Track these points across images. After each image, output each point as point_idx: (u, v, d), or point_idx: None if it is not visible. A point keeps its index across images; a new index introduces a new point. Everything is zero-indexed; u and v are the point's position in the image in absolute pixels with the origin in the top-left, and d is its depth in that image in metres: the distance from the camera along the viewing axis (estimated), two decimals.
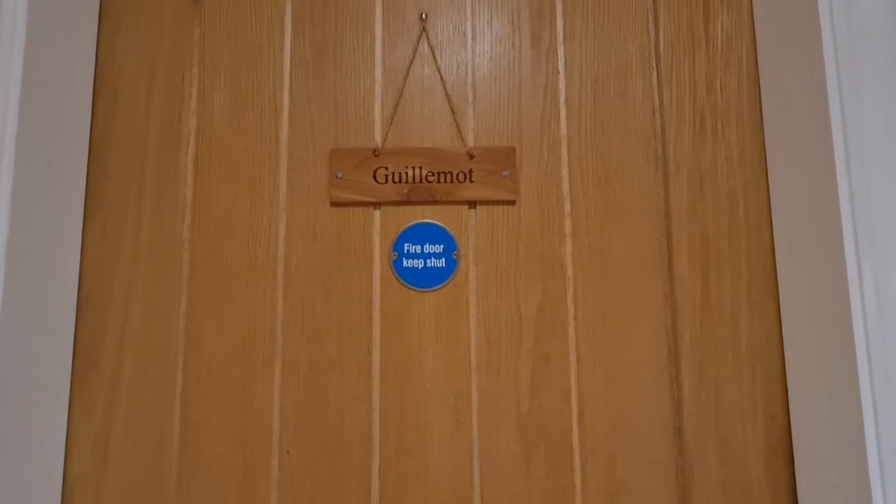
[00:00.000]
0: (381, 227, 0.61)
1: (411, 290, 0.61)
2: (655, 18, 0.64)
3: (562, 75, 0.64)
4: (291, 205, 0.61)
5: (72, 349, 0.58)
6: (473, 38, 0.64)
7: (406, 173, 0.61)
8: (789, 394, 0.58)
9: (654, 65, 0.63)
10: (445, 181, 0.61)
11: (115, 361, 0.59)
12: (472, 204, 0.62)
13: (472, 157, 0.62)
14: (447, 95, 0.63)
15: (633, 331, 0.60)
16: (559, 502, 0.57)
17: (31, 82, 0.52)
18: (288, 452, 0.58)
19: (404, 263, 0.60)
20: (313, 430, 0.58)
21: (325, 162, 0.62)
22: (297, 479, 0.58)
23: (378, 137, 0.62)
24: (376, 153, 0.61)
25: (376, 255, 0.61)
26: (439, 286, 0.61)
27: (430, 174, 0.61)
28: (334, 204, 0.61)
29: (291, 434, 0.58)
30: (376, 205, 0.61)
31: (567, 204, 0.62)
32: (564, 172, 0.62)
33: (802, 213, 0.55)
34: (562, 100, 0.63)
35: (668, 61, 0.63)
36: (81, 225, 0.60)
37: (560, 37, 0.64)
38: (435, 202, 0.62)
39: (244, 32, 0.64)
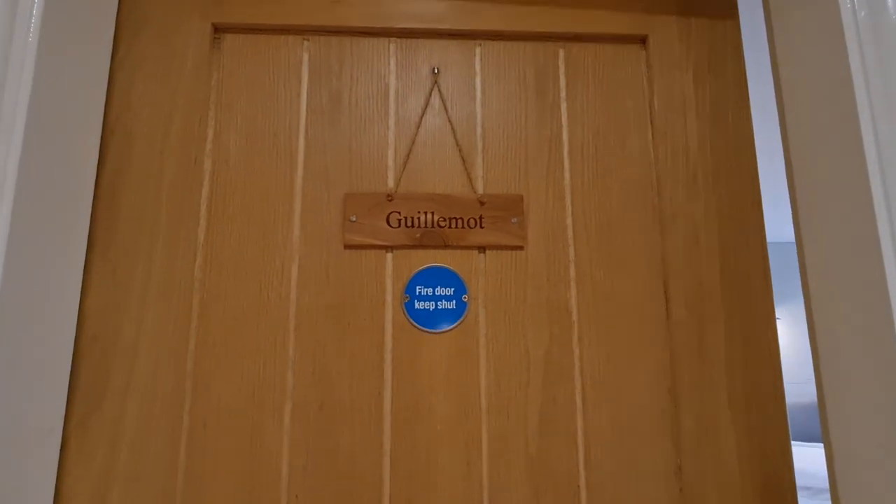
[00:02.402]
0: (393, 269, 0.63)
1: (423, 331, 0.62)
2: (650, 80, 0.69)
3: (565, 129, 0.68)
4: (305, 247, 0.62)
5: (66, 396, 0.57)
6: (483, 92, 0.68)
7: (418, 218, 0.63)
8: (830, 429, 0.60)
9: (650, 122, 0.68)
10: (456, 226, 0.64)
11: (120, 405, 0.57)
12: (482, 249, 0.64)
13: (482, 203, 0.65)
14: (458, 145, 0.66)
15: (635, 374, 0.62)
16: None
17: (36, 122, 0.53)
18: (297, 497, 0.57)
19: (416, 305, 0.62)
20: (323, 474, 0.58)
21: (339, 206, 0.63)
22: None
23: (391, 183, 0.64)
24: (390, 198, 0.63)
25: (388, 298, 0.62)
26: (450, 328, 0.62)
27: (441, 219, 0.64)
28: (348, 247, 0.62)
29: (301, 478, 0.57)
30: (389, 248, 0.63)
31: (571, 251, 0.65)
32: (569, 221, 0.66)
33: (839, 262, 0.59)
34: (565, 152, 0.67)
35: (662, 119, 0.68)
36: (82, 267, 0.59)
37: (563, 93, 0.68)
38: (446, 247, 0.64)
39: (262, 78, 0.66)
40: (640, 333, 0.63)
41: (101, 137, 0.62)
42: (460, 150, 0.66)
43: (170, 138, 0.63)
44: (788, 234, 3.10)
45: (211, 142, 0.64)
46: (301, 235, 0.63)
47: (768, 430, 0.61)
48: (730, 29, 0.70)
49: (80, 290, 0.59)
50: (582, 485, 0.59)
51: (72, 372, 0.57)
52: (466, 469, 0.59)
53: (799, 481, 2.69)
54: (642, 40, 0.70)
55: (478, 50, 0.69)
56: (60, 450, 0.55)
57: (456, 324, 0.62)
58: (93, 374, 0.57)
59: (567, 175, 0.67)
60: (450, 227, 0.64)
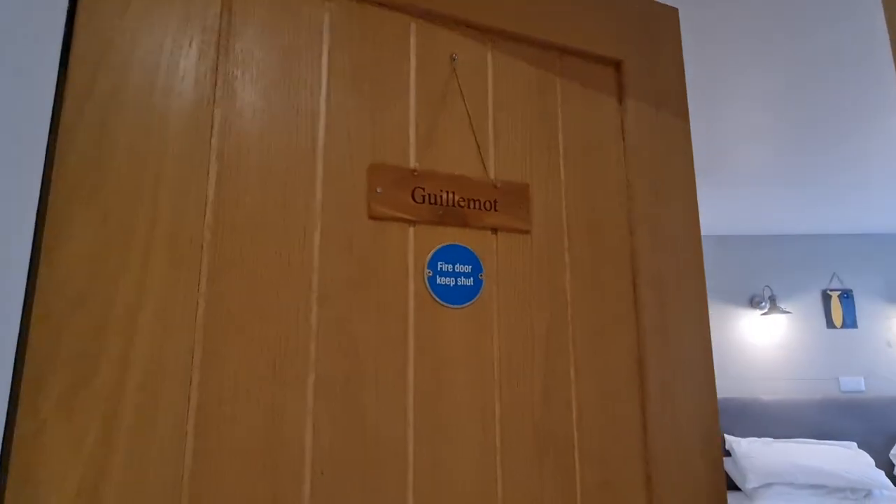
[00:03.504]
0: (414, 244, 0.63)
1: (444, 306, 0.63)
2: (622, 100, 0.82)
3: (560, 131, 0.76)
4: (328, 214, 0.59)
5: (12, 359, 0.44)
6: (494, 86, 0.73)
7: (441, 196, 0.65)
8: None
9: (623, 137, 0.81)
10: (474, 207, 0.67)
11: (116, 380, 0.47)
12: (495, 230, 0.69)
13: (496, 188, 0.69)
14: (473, 131, 0.70)
15: (613, 347, 0.74)
16: (565, 495, 0.65)
17: None
18: (322, 473, 0.53)
19: (438, 281, 0.63)
20: (350, 447, 0.55)
21: (363, 176, 0.62)
22: (330, 500, 0.53)
23: (412, 159, 0.65)
24: (415, 173, 0.64)
25: (411, 272, 0.62)
26: (468, 304, 0.65)
27: (461, 200, 0.66)
28: (373, 218, 0.61)
29: (327, 454, 0.54)
30: (412, 223, 0.63)
31: (566, 239, 0.74)
32: (564, 213, 0.74)
33: None
34: (561, 151, 0.76)
35: (633, 139, 0.81)
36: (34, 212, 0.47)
37: (559, 98, 0.77)
38: (466, 226, 0.66)
39: (280, 28, 0.61)
40: (616, 313, 0.75)
41: (68, 65, 0.50)
42: (475, 137, 0.70)
43: (175, 74, 0.54)
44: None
45: (222, 88, 0.57)
46: (323, 201, 0.59)
47: (704, 391, 0.77)
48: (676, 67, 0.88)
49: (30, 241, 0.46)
50: (576, 445, 0.68)
51: (47, 341, 0.44)
52: (482, 435, 0.62)
53: (814, 479, 2.85)
54: (617, 65, 0.83)
55: (490, 46, 0.74)
56: (36, 433, 0.43)
57: (473, 300, 0.65)
58: (79, 343, 0.46)
59: (562, 172, 0.75)
60: (468, 207, 0.67)
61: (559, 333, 0.70)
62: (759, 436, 3.31)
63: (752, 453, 3.07)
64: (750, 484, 2.95)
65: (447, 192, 0.66)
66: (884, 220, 3.40)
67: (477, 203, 0.67)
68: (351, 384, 0.57)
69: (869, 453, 3.13)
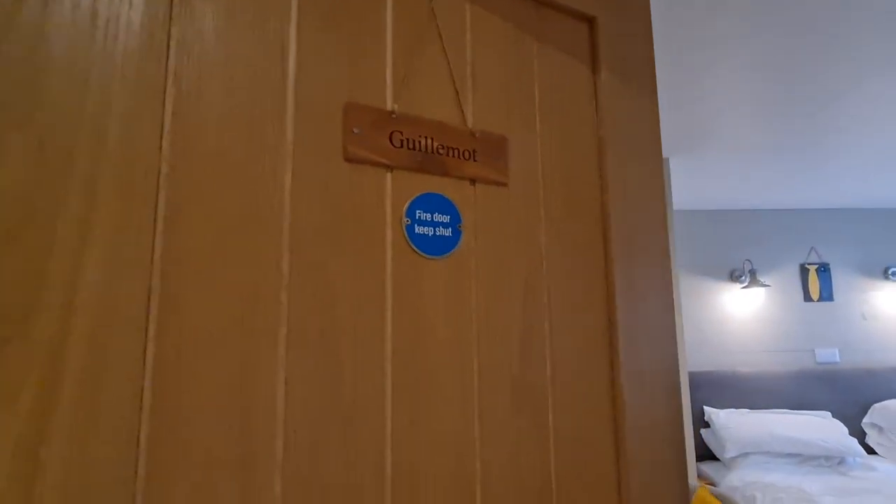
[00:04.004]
0: (392, 191, 0.60)
1: (422, 256, 0.60)
2: (595, 60, 0.79)
3: (536, 85, 0.73)
4: (300, 154, 0.55)
5: None
6: (472, 35, 0.69)
7: (420, 142, 0.61)
8: None
9: (595, 97, 0.78)
10: (454, 156, 0.64)
11: (58, 329, 0.43)
12: (473, 181, 0.66)
13: (475, 137, 0.66)
14: (452, 78, 0.66)
15: (585, 304, 0.72)
16: (540, 449, 0.64)
17: None
18: (296, 432, 0.50)
19: (416, 230, 0.60)
20: (325, 404, 0.52)
21: (338, 114, 0.58)
22: (307, 460, 0.50)
23: (390, 101, 0.61)
24: (393, 115, 0.60)
25: (389, 219, 0.59)
26: (446, 255, 0.62)
27: (440, 147, 0.63)
28: (349, 160, 0.57)
29: (300, 411, 0.51)
30: (389, 168, 0.60)
31: (542, 193, 0.71)
32: (540, 168, 0.71)
33: None
34: (536, 105, 0.73)
35: (605, 97, 0.78)
36: None
37: (535, 50, 0.74)
38: (445, 174, 0.63)
39: None
40: (588, 269, 0.73)
41: None
42: (454, 84, 0.66)
43: None
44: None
45: (179, 5, 0.51)
46: (295, 140, 0.55)
47: (667, 346, 0.76)
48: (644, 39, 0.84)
49: None
50: (550, 399, 0.66)
51: None
52: (461, 390, 0.60)
53: (790, 448, 2.90)
54: (590, 22, 0.79)
55: None
56: None
57: (452, 251, 0.62)
58: (12, 289, 0.42)
59: (538, 126, 0.72)
60: (448, 155, 0.63)
61: (535, 288, 0.68)
62: (738, 407, 3.37)
63: (730, 424, 3.13)
64: (728, 453, 3.00)
65: (426, 138, 0.62)
66: (861, 194, 3.44)
67: (456, 152, 0.64)
68: (327, 337, 0.53)
69: (843, 422, 3.21)
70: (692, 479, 2.45)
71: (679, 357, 2.56)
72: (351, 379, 0.54)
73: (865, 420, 3.37)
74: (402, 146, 0.60)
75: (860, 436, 3.34)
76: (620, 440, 0.70)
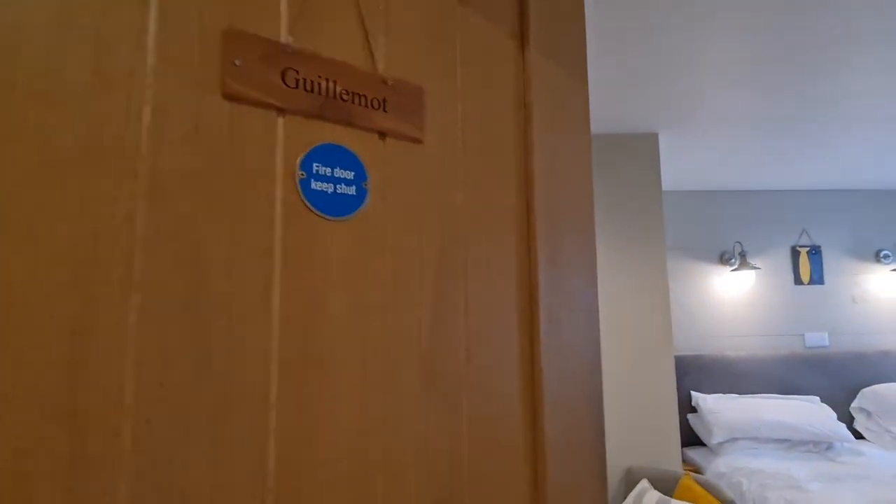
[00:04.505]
0: (285, 138, 0.51)
1: (320, 216, 0.52)
2: (522, 14, 0.70)
3: (458, 36, 0.64)
4: (164, 84, 0.46)
5: None
6: None
7: (320, 84, 0.53)
8: None
9: (523, 56, 0.69)
10: (360, 104, 0.55)
11: None
12: (383, 135, 0.57)
13: (386, 84, 0.57)
14: (361, 13, 0.57)
15: (504, 277, 0.65)
16: (451, 433, 0.58)
17: None
18: (149, 421, 0.42)
19: (313, 185, 0.51)
20: (189, 390, 0.44)
21: (216, 41, 0.48)
22: (162, 458, 0.42)
23: (284, 32, 0.52)
24: (286, 50, 0.51)
25: (280, 171, 0.50)
26: (349, 216, 0.53)
27: (344, 92, 0.54)
28: (229, 97, 0.48)
29: (155, 396, 0.43)
30: (281, 111, 0.51)
31: (462, 154, 0.63)
32: (460, 126, 0.63)
33: None
34: (458, 54, 0.64)
35: (533, 55, 0.70)
36: None
37: None
38: (350, 124, 0.54)
39: None
40: (510, 239, 0.66)
41: None
42: (363, 20, 0.57)
43: None
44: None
45: None
46: (157, 67, 0.46)
47: (589, 325, 0.70)
48: None
49: None
50: (463, 379, 0.59)
51: None
52: (362, 371, 0.52)
53: (778, 433, 2.88)
54: None
55: None
56: None
57: (356, 212, 0.54)
58: None
59: (459, 80, 0.64)
60: (353, 103, 0.55)
61: (451, 257, 0.60)
62: (725, 392, 3.32)
63: (717, 409, 3.08)
64: (715, 439, 2.95)
65: (327, 81, 0.53)
66: (854, 175, 3.36)
67: (363, 99, 0.55)
68: (193, 307, 0.45)
69: (831, 407, 3.16)
70: (677, 467, 2.40)
71: (667, 341, 2.51)
72: (223, 361, 0.45)
73: (854, 404, 3.33)
74: (297, 87, 0.51)
75: (848, 421, 3.30)
76: (538, 422, 0.65)
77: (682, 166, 3.12)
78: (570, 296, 0.68)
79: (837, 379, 3.39)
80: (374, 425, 0.52)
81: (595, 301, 0.72)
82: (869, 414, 3.25)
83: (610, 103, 2.31)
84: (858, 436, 3.25)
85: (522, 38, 0.70)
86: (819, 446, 2.93)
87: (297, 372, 0.48)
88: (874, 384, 3.32)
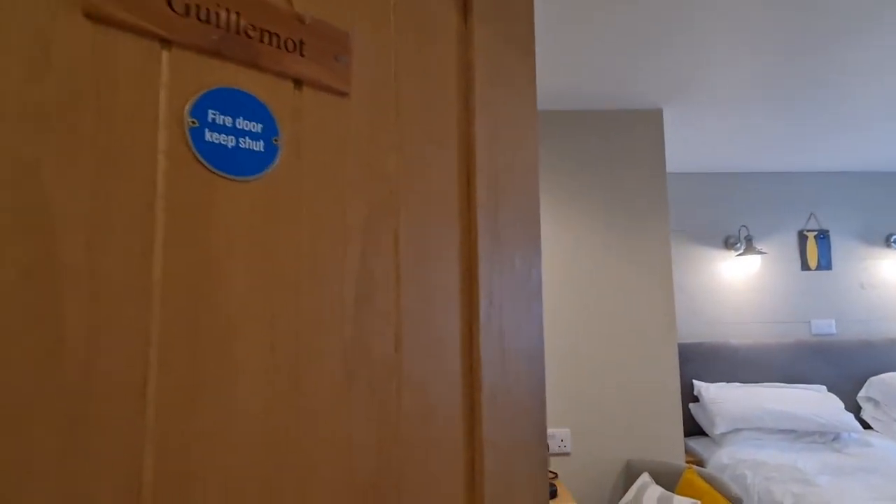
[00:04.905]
0: (170, 76, 0.42)
1: (216, 174, 0.43)
2: None
3: None
4: None
5: None
6: None
7: (218, 14, 0.43)
8: None
9: (464, 11, 0.60)
10: (269, 44, 0.46)
11: None
12: (299, 83, 0.48)
13: (303, 22, 0.48)
14: None
15: (443, 251, 0.57)
16: (380, 432, 0.50)
17: None
18: None
19: (207, 136, 0.42)
20: (33, 382, 0.35)
21: None
22: None
23: None
24: None
25: (163, 115, 0.41)
26: (255, 176, 0.44)
27: (250, 27, 0.45)
28: (91, 16, 0.39)
29: None
30: (167, 42, 0.42)
31: (395, 113, 0.54)
32: (393, 81, 0.54)
33: None
34: (392, 2, 0.55)
35: (480, 11, 0.61)
36: None
37: None
38: (255, 66, 0.45)
39: None
40: (447, 210, 0.59)
41: None
42: None
43: None
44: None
45: None
46: None
47: (532, 306, 0.63)
48: None
49: None
50: (395, 368, 0.50)
51: None
52: (269, 359, 0.43)
53: (783, 424, 2.79)
54: None
55: None
56: None
57: (263, 173, 0.45)
58: None
59: (393, 27, 0.55)
60: (261, 41, 0.45)
61: (380, 228, 0.51)
62: (729, 381, 3.22)
63: (720, 398, 2.99)
64: (718, 429, 2.87)
65: (228, 11, 0.44)
66: (865, 156, 3.24)
67: (274, 39, 0.46)
68: (37, 278, 0.36)
69: (838, 396, 3.06)
70: (680, 460, 2.31)
71: (670, 327, 2.41)
72: (81, 348, 0.37)
73: (861, 394, 3.23)
74: (188, 14, 0.42)
75: (855, 410, 3.20)
76: (476, 416, 0.57)
77: (685, 146, 3.01)
78: (513, 275, 0.61)
79: (844, 367, 3.28)
80: (284, 423, 0.43)
81: (540, 283, 0.65)
82: (877, 403, 3.15)
83: (610, 76, 2.21)
84: (866, 426, 3.15)
85: None
86: (826, 437, 2.84)
87: (184, 360, 0.40)
88: (882, 373, 3.22)
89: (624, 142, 2.45)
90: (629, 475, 2.24)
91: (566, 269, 2.37)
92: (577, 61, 2.07)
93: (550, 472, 2.19)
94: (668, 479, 2.13)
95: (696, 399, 3.15)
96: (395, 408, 0.51)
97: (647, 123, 2.46)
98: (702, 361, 3.25)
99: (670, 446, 2.30)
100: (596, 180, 2.42)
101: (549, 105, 2.45)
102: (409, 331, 0.52)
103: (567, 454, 2.28)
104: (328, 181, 0.48)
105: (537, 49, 2.01)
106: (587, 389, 2.31)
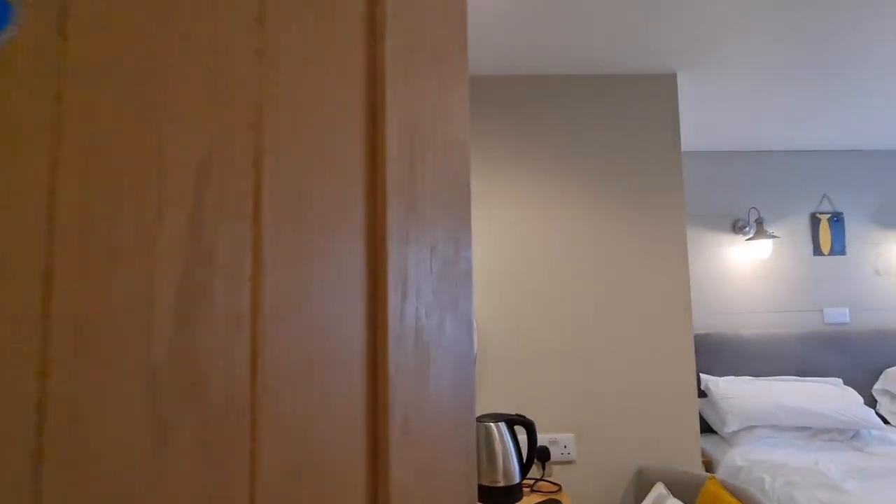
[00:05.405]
0: None
1: None
2: None
3: None
4: None
5: None
6: None
7: None
8: None
9: None
10: None
11: None
12: None
13: None
14: None
15: (332, 222, 0.31)
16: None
17: None
18: None
19: None
20: None
21: None
22: None
23: None
24: None
25: None
26: None
27: None
28: None
29: None
30: None
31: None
32: None
33: None
34: None
35: None
36: None
37: None
38: None
39: None
40: (342, 164, 0.31)
41: None
42: None
43: None
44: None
45: None
46: None
47: (461, 287, 0.43)
48: None
49: None
50: (252, 403, 0.23)
51: None
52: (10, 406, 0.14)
53: (799, 420, 2.56)
54: None
55: None
56: None
57: None
58: None
59: None
60: None
61: (227, 181, 0.24)
62: (738, 374, 3.00)
63: (730, 394, 2.76)
64: (729, 427, 2.64)
65: None
66: (880, 134, 3.00)
67: None
68: None
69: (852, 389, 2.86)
70: (696, 466, 2.07)
71: (685, 318, 2.16)
72: None
73: (876, 386, 3.03)
74: None
75: (870, 404, 3.00)
76: (381, 461, 0.32)
77: (693, 121, 2.75)
78: (437, 259, 0.40)
79: (858, 359, 3.08)
80: None
81: (470, 270, 0.45)
82: (893, 396, 2.96)
83: (619, 36, 1.92)
84: (883, 421, 2.96)
85: None
86: (844, 434, 2.63)
87: None
88: None
89: (634, 110, 2.17)
90: (641, 484, 2.00)
91: (564, 253, 2.10)
92: (579, 16, 1.78)
93: (553, 483, 1.93)
94: (687, 490, 1.89)
95: (703, 394, 2.92)
96: (248, 468, 0.25)
97: (661, 89, 2.18)
98: (709, 354, 3.02)
99: (686, 452, 2.06)
100: (600, 154, 2.14)
101: (549, 69, 2.15)
102: (277, 341, 0.25)
103: (571, 462, 2.02)
104: (124, 90, 0.20)
105: (529, 2, 1.71)
106: (592, 390, 2.05)
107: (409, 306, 0.34)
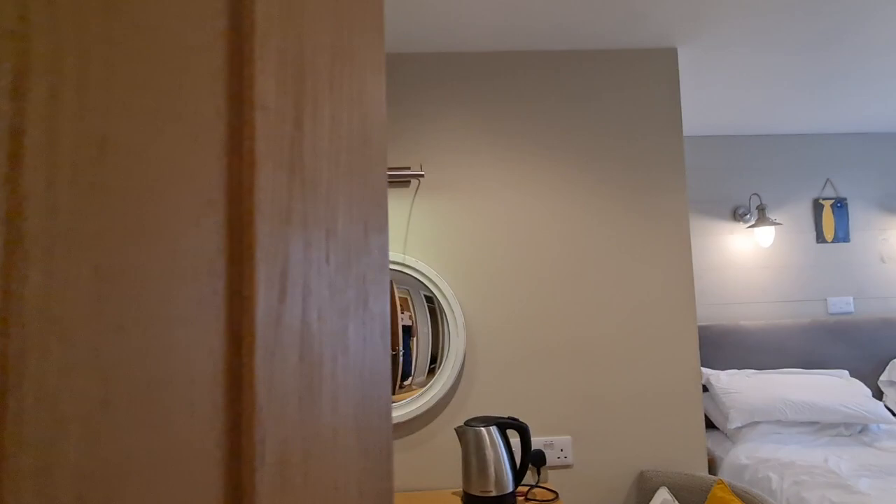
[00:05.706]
0: None
1: None
2: None
3: None
4: None
5: None
6: None
7: None
8: None
9: None
10: None
11: None
12: None
13: None
14: None
15: (169, 188, 0.18)
16: None
17: None
18: None
19: None
20: None
21: None
22: None
23: None
24: None
25: None
26: None
27: None
28: None
29: None
30: None
31: None
32: None
33: None
34: None
35: None
36: None
37: None
38: None
39: None
40: (184, 108, 0.15)
41: None
42: None
43: None
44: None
45: None
46: None
47: (372, 285, 0.32)
48: None
49: None
50: None
51: None
52: None
53: (805, 415, 2.45)
54: None
55: None
56: None
57: None
58: None
59: None
60: None
61: None
62: (740, 367, 2.88)
63: (733, 388, 2.64)
64: (733, 424, 2.52)
65: None
66: (885, 116, 2.87)
67: None
68: None
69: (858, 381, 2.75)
70: (702, 468, 1.94)
71: (689, 311, 2.03)
72: None
73: (882, 377, 2.93)
74: None
75: (877, 396, 2.90)
76: None
77: (691, 103, 2.60)
78: (335, 245, 0.26)
79: (863, 349, 2.97)
80: None
81: (386, 262, 0.32)
82: None
83: (613, 5, 1.77)
84: (893, 414, 2.85)
85: None
86: (852, 429, 2.52)
87: None
88: None
89: (632, 88, 2.02)
90: (643, 489, 1.87)
91: (557, 245, 1.95)
92: None
93: (549, 490, 1.80)
94: (693, 495, 1.76)
95: (704, 389, 2.80)
96: None
97: (660, 64, 2.03)
98: (710, 346, 2.90)
99: (691, 454, 1.93)
100: (594, 135, 2.00)
101: (543, 44, 2.00)
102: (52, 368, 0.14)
103: (568, 466, 1.88)
104: None
105: None
106: (589, 389, 1.92)
107: (291, 308, 0.21)
